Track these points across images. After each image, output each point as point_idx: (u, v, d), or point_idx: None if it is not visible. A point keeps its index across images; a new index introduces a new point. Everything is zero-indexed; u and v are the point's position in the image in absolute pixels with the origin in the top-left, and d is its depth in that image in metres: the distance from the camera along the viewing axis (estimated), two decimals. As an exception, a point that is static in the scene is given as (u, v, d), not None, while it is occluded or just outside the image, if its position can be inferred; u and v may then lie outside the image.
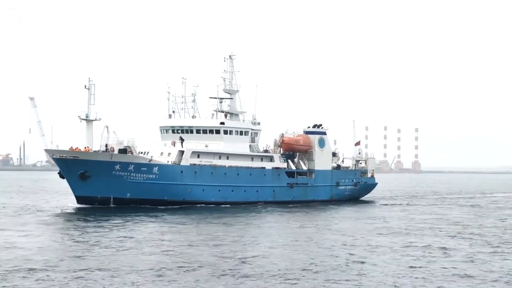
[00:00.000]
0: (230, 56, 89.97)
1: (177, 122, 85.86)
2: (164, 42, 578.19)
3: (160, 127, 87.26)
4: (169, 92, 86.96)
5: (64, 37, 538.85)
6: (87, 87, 75.70)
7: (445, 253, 44.12)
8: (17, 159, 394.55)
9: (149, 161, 76.55)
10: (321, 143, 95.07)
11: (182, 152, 79.78)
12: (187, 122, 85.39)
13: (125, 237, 49.61)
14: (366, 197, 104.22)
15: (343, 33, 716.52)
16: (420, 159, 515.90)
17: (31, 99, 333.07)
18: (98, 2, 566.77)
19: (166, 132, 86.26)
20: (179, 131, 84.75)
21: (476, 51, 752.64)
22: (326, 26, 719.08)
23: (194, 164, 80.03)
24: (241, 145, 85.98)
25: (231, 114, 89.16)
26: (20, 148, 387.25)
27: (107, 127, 79.80)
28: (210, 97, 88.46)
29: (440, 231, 57.44)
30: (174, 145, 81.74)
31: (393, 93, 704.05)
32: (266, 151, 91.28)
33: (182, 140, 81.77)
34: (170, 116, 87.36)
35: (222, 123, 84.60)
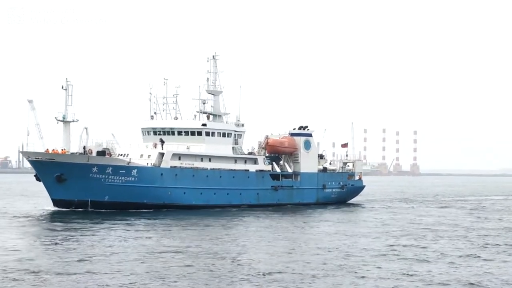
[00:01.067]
0: (213, 56, 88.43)
1: (158, 123, 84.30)
2: (147, 42, 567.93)
3: (142, 128, 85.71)
4: (150, 93, 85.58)
5: (64, 37, 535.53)
6: (64, 87, 74.14)
7: (424, 255, 42.68)
8: (16, 161, 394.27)
9: (128, 164, 74.95)
10: (307, 145, 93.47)
11: (162, 154, 78.21)
12: (168, 124, 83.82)
13: (98, 242, 48.04)
14: (354, 200, 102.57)
15: (342, 35, 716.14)
16: (419, 161, 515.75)
17: (30, 101, 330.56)
18: (98, 2, 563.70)
19: (148, 134, 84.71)
20: (161, 133, 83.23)
21: (476, 53, 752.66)
22: (323, 27, 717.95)
23: (175, 167, 78.44)
24: (223, 147, 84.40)
25: (215, 115, 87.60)
26: (18, 150, 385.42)
27: (86, 128, 78.02)
28: (193, 98, 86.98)
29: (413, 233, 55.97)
30: (156, 147, 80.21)
31: (392, 95, 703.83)
32: (251, 153, 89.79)
33: (162, 142, 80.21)
34: (152, 117, 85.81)
35: (204, 124, 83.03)
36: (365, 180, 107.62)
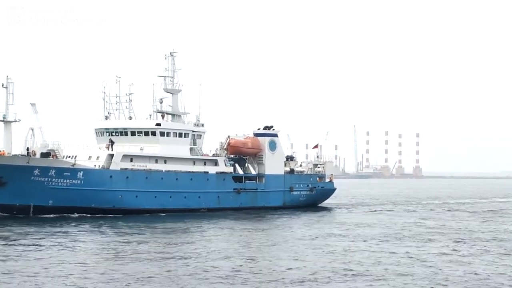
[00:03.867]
0: (171, 53, 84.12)
1: (111, 124, 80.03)
2: (102, 39, 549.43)
3: (95, 129, 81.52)
4: (104, 92, 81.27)
5: (64, 37, 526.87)
6: (4, 85, 70.13)
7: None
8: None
9: (73, 166, 70.73)
10: (272, 146, 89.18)
11: (112, 156, 73.99)
12: (121, 124, 79.58)
13: (39, 249, 44.52)
14: (325, 203, 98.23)
15: (344, 38, 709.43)
16: (421, 164, 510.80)
17: (32, 105, 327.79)
18: (97, 2, 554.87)
19: (102, 135, 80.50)
20: (114, 134, 79.05)
21: (478, 56, 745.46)
22: (322, 28, 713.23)
23: (126, 169, 74.19)
24: (180, 148, 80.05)
25: (173, 115, 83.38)
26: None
27: (32, 129, 74.06)
28: (155, 98, 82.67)
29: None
30: (109, 149, 76.03)
31: (394, 98, 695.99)
32: (216, 154, 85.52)
33: (111, 142, 75.97)
34: (106, 117, 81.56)
35: (158, 124, 78.77)
36: (367, 182, 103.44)
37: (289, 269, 37.99)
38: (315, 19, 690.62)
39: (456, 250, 46.89)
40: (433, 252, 45.81)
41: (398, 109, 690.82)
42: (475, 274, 37.40)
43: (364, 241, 52.00)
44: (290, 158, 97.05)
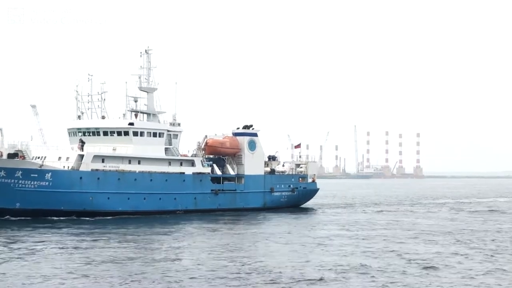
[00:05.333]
0: (146, 50, 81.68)
1: (83, 123, 77.65)
2: (80, 38, 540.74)
3: (68, 129, 79.12)
4: (76, 91, 78.80)
5: (64, 37, 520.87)
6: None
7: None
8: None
9: (40, 167, 68.31)
10: (252, 146, 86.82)
11: (82, 156, 71.59)
12: (93, 124, 77.18)
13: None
14: (308, 204, 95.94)
15: (344, 39, 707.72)
16: (422, 164, 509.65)
17: (33, 106, 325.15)
18: (98, 2, 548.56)
19: (74, 135, 78.10)
20: (87, 134, 76.68)
21: (479, 56, 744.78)
22: (320, 28, 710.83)
23: (97, 170, 71.80)
24: (154, 148, 77.65)
25: (148, 114, 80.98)
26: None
27: (0, 129, 71.50)
28: (129, 96, 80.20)
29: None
30: (81, 149, 73.66)
31: (395, 98, 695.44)
32: (195, 155, 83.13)
33: (82, 143, 73.57)
34: (79, 117, 79.14)
35: (131, 123, 76.35)
36: (368, 182, 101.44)
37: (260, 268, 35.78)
38: (315, 19, 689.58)
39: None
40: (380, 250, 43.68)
41: (399, 109, 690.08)
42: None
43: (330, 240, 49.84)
44: (272, 158, 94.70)
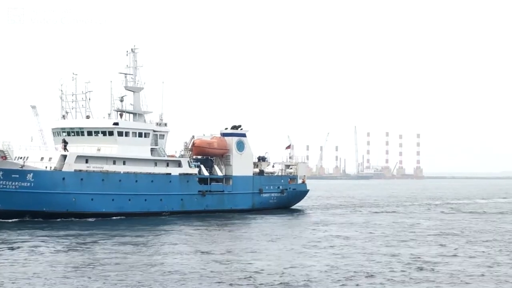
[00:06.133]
0: (132, 49, 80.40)
1: (68, 123, 76.35)
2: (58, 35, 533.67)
3: (52, 129, 77.89)
4: (61, 90, 77.46)
5: (64, 37, 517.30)
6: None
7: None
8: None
9: (22, 167, 67.02)
10: (240, 146, 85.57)
11: (65, 157, 70.29)
12: (78, 124, 75.89)
13: None
14: (299, 205, 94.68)
15: (344, 39, 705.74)
16: (422, 164, 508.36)
17: (33, 107, 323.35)
18: (98, 2, 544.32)
19: (58, 135, 76.78)
20: (71, 134, 75.40)
21: (478, 56, 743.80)
22: (320, 29, 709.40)
23: (80, 170, 70.51)
24: (140, 148, 76.33)
25: (134, 114, 79.68)
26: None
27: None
28: (118, 96, 78.87)
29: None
30: (64, 149, 72.36)
31: (395, 99, 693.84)
32: (182, 156, 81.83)
33: (65, 143, 72.26)
34: (63, 117, 77.84)
35: (116, 123, 75.02)
36: (368, 183, 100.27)
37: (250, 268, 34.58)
38: (315, 19, 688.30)
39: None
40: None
41: (399, 110, 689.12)
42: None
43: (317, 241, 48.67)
44: (262, 159, 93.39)
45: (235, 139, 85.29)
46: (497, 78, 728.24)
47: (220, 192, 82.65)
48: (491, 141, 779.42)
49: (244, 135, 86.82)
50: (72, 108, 76.53)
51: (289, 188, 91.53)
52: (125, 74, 79.47)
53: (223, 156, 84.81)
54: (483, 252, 46.12)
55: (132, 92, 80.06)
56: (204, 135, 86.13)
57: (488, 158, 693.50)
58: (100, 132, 74.70)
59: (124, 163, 74.46)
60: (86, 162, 71.51)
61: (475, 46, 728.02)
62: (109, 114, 77.09)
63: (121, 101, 78.74)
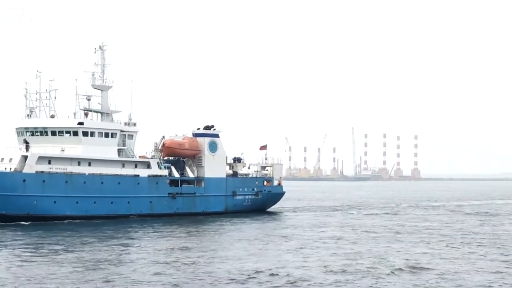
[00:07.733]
0: (100, 46, 77.68)
1: (31, 123, 73.49)
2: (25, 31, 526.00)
3: (16, 128, 75.00)
4: (25, 89, 74.58)
5: (65, 37, 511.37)
6: None
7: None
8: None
9: (-22, 169, 64.23)
10: (213, 147, 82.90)
11: (26, 158, 67.45)
12: (41, 123, 73.03)
13: None
14: (275, 208, 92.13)
15: (342, 40, 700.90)
16: (420, 166, 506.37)
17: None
18: (99, 2, 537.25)
19: (22, 135, 73.91)
20: (35, 133, 72.57)
21: (477, 58, 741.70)
22: (319, 30, 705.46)
23: (42, 172, 67.70)
24: (106, 149, 73.51)
25: (102, 113, 76.92)
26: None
27: None
28: (80, 95, 75.99)
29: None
30: (26, 150, 69.52)
31: (392, 100, 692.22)
32: (153, 157, 79.13)
33: (26, 143, 69.43)
34: (28, 116, 74.96)
35: (81, 123, 72.23)
36: (368, 185, 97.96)
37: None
38: (313, 20, 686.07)
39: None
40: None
41: (396, 112, 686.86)
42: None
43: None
44: (237, 160, 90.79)
45: (208, 139, 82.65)
46: (495, 79, 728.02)
47: (191, 195, 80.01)
48: (489, 143, 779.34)
49: (217, 136, 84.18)
50: (36, 107, 73.66)
51: (264, 190, 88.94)
52: (93, 72, 76.70)
53: (195, 157, 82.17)
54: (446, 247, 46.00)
55: (100, 91, 77.31)
56: (176, 135, 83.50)
57: (487, 160, 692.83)
58: (64, 132, 71.96)
59: (89, 164, 71.70)
60: (49, 163, 68.74)
61: (474, 46, 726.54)
62: (74, 114, 74.34)
63: (88, 100, 76.02)
